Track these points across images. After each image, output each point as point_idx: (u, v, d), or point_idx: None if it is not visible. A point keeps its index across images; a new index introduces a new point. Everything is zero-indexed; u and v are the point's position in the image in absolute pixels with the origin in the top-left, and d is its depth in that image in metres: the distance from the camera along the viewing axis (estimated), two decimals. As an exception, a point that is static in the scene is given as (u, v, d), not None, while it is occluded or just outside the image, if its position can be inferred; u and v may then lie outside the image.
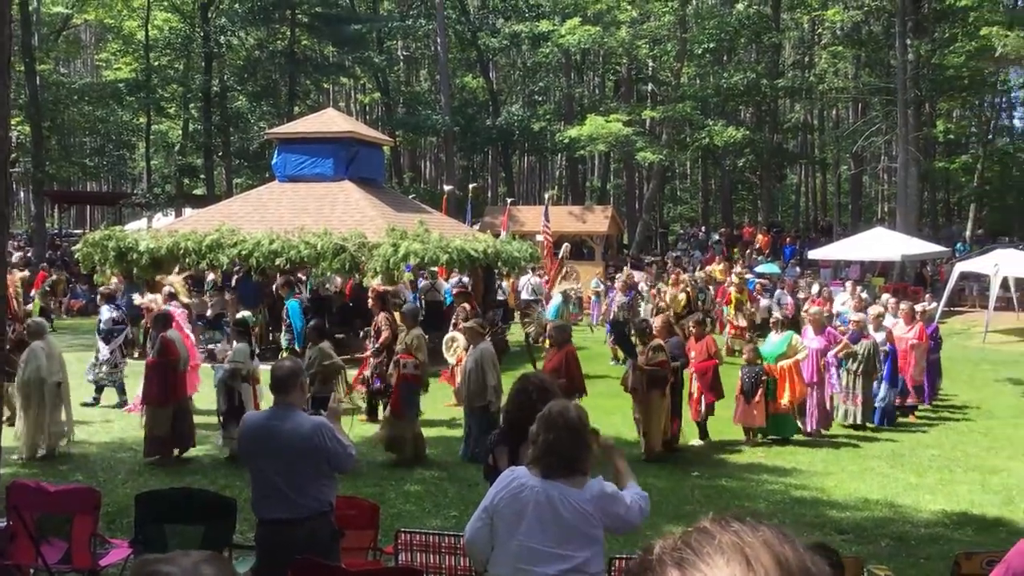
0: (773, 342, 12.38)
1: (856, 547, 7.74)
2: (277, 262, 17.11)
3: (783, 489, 9.82)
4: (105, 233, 18.97)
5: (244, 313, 13.97)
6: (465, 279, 21.12)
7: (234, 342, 11.79)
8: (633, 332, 12.36)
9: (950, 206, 47.52)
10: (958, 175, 41.28)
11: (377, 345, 12.19)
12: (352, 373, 12.53)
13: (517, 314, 23.44)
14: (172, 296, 14.57)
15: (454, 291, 17.29)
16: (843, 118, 47.05)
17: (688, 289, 19.17)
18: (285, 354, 14.84)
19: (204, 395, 12.62)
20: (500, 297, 22.29)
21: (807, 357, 12.27)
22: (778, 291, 21.87)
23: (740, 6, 38.40)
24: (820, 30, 42.06)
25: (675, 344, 11.63)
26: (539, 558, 3.78)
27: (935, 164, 38.39)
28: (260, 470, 5.22)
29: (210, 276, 21.13)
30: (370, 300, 13.88)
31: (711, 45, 38.18)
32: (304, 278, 21.23)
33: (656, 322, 11.75)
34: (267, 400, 13.04)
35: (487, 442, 5.60)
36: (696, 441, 12.06)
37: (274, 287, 17.52)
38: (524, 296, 22.85)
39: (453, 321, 15.10)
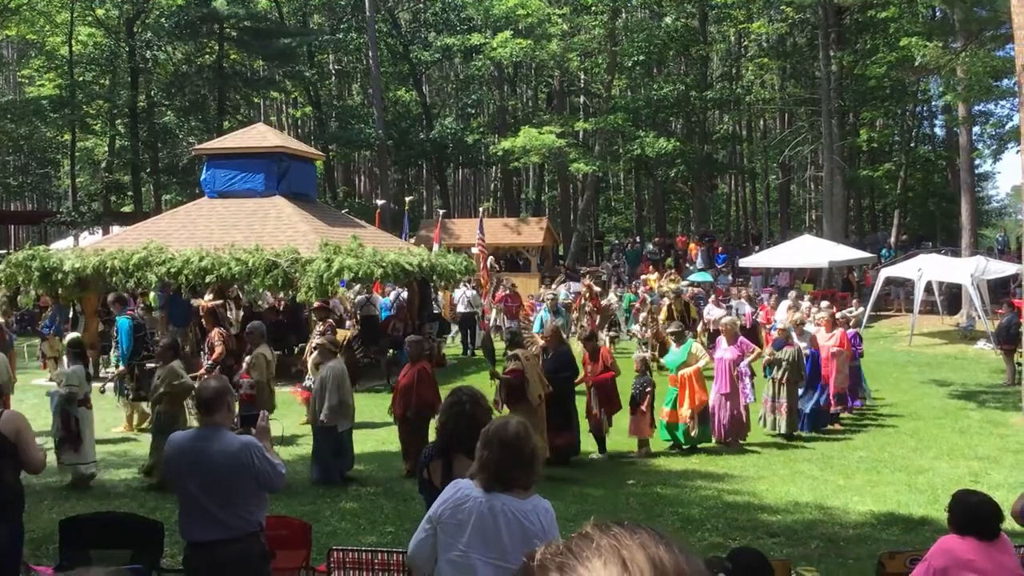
0: (675, 352, 12.33)
1: (787, 549, 7.86)
2: (207, 279, 16.81)
3: (716, 495, 9.94)
4: (29, 253, 18.40)
5: (73, 334, 13.44)
6: (403, 293, 21.06)
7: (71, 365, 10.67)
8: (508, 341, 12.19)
9: (875, 213, 48.72)
10: (882, 182, 42.37)
11: (210, 362, 11.94)
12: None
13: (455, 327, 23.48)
14: None
15: (316, 304, 16.69)
16: (770, 128, 47.98)
17: (672, 300, 19.31)
18: (113, 370, 14.11)
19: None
20: (435, 311, 22.24)
21: (723, 368, 12.36)
22: (735, 300, 22.13)
23: (668, 19, 38.99)
24: (746, 43, 43.01)
25: (562, 354, 11.62)
26: (481, 570, 3.70)
27: (860, 172, 39.33)
28: (187, 491, 5.11)
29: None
30: (202, 317, 13.47)
31: (641, 58, 38.70)
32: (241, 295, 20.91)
33: (545, 330, 11.69)
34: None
35: (422, 455, 5.57)
36: (595, 455, 11.95)
37: (108, 301, 15.46)
38: (460, 309, 22.84)
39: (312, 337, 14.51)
